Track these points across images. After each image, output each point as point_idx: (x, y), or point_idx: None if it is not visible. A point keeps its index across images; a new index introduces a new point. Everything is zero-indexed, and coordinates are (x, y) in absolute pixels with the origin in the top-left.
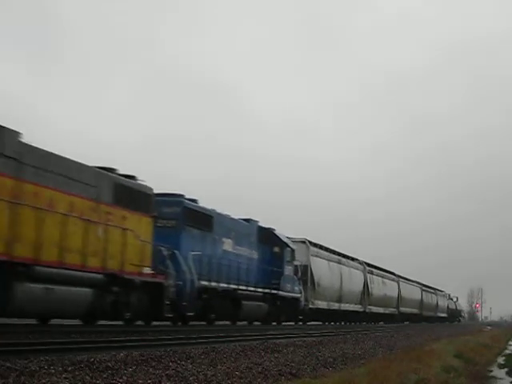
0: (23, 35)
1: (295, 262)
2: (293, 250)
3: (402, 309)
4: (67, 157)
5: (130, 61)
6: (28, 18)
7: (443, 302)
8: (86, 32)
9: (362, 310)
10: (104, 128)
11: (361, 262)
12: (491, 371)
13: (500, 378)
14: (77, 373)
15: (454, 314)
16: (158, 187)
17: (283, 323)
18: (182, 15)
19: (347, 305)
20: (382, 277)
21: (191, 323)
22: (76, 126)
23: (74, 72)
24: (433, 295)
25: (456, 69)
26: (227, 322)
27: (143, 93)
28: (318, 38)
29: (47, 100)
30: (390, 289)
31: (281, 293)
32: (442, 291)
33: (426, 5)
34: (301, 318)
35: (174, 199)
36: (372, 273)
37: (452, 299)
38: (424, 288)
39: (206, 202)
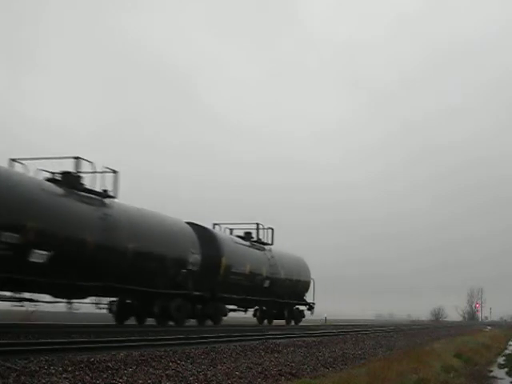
0: None
1: None
2: None
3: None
4: None
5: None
6: None
7: None
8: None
9: None
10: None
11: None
12: (491, 371)
13: (500, 378)
14: (77, 373)
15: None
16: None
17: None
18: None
19: None
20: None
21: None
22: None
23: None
24: None
25: (453, 70)
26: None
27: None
28: (313, 40)
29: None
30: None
31: None
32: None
33: (423, 8)
34: None
35: None
36: None
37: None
38: None
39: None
